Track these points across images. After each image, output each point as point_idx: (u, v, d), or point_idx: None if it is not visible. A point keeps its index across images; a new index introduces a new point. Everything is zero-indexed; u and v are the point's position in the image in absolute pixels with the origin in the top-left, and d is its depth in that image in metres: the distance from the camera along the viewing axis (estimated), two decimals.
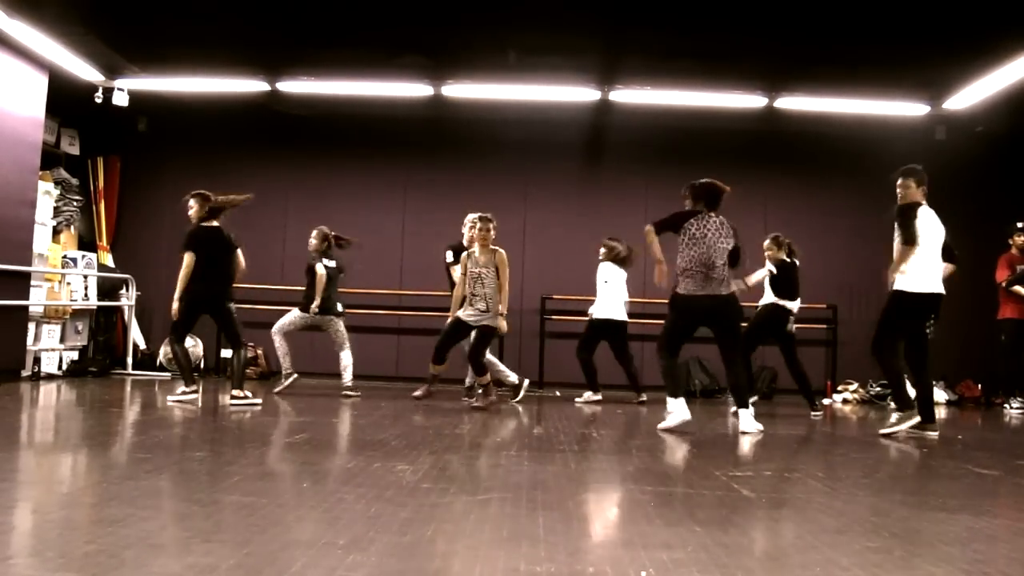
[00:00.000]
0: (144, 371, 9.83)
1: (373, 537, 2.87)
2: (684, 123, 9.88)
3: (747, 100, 9.21)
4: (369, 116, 10.26)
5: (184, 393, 7.08)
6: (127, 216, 10.70)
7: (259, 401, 7.14)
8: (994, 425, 7.92)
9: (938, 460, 5.39)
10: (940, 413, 8.85)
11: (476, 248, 7.42)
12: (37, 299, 8.83)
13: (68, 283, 9.53)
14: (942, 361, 9.89)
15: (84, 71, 8.91)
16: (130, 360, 9.90)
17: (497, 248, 7.45)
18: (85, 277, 9.85)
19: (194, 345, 9.79)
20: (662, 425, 6.12)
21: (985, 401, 9.84)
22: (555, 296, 10.25)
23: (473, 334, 7.51)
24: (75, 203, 10.00)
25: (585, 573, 2.52)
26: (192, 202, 7.38)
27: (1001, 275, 9.24)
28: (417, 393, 7.51)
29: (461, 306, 7.43)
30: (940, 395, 9.82)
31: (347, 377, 8.15)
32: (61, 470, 4.27)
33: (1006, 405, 9.18)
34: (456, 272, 7.75)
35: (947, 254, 6.44)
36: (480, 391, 7.46)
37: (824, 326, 10.31)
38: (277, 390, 8.07)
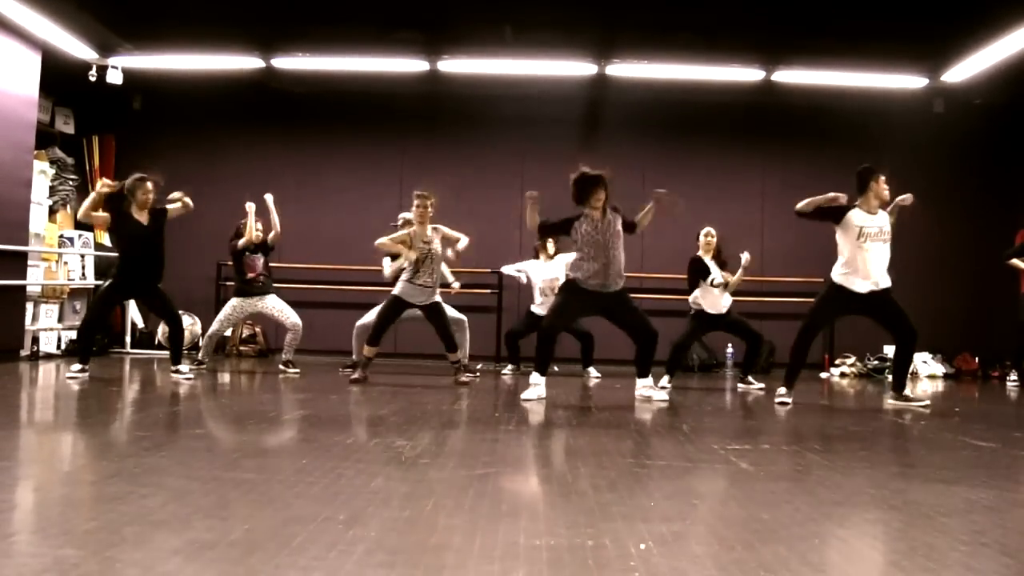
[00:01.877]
0: (142, 350, 9.84)
1: (373, 512, 2.89)
2: (681, 96, 9.81)
3: (745, 73, 9.15)
4: (365, 92, 10.18)
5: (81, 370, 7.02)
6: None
7: (192, 376, 7.21)
8: (991, 398, 7.94)
9: (935, 432, 5.41)
10: (937, 386, 8.89)
11: (417, 226, 7.33)
12: (34, 279, 8.82)
13: (65, 262, 9.51)
14: (939, 335, 9.94)
15: (77, 49, 8.84)
16: (128, 339, 9.92)
17: (436, 225, 7.44)
18: (82, 256, 9.83)
19: (192, 324, 9.80)
20: (524, 395, 6.31)
21: (982, 374, 9.87)
22: None
23: (420, 313, 7.52)
24: (71, 182, 9.95)
25: (584, 546, 2.54)
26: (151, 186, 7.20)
27: None
28: (354, 376, 7.41)
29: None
30: (937, 368, 9.86)
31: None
32: (61, 448, 4.29)
33: (1007, 379, 9.20)
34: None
35: None
36: (463, 366, 7.58)
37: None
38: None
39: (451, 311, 8.06)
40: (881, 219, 6.38)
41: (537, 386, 6.32)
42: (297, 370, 8.10)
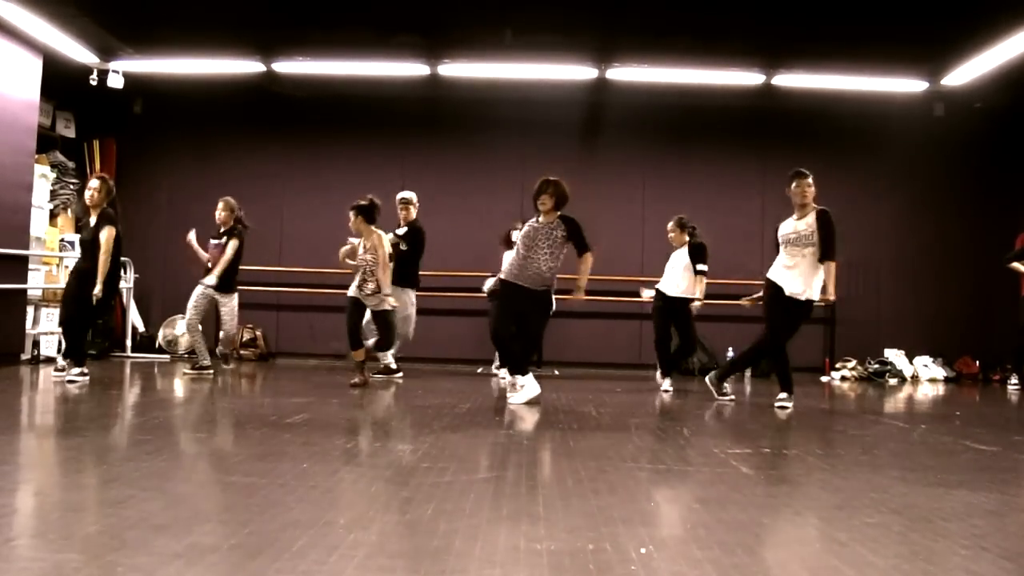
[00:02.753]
0: (143, 353, 9.84)
1: (373, 516, 2.89)
2: (681, 100, 9.83)
3: (745, 77, 9.16)
4: (365, 96, 10.20)
5: (82, 374, 6.95)
6: (123, 198, 10.62)
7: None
8: (992, 401, 7.93)
9: (936, 436, 5.41)
10: (938, 389, 8.88)
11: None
12: (35, 283, 8.83)
13: (66, 266, 9.51)
14: (940, 338, 9.95)
15: (79, 53, 8.85)
16: (129, 343, 9.92)
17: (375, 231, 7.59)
18: None
19: None
20: (513, 400, 6.32)
21: (983, 377, 9.86)
22: None
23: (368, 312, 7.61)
24: (71, 186, 9.96)
25: (585, 550, 2.54)
26: (99, 184, 7.14)
27: None
28: (355, 380, 7.38)
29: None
30: (937, 371, 9.86)
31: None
32: (62, 452, 4.28)
33: (1008, 382, 9.19)
34: None
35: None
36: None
37: (822, 303, 10.29)
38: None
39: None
40: (801, 224, 6.35)
41: (524, 388, 6.32)
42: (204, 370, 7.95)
